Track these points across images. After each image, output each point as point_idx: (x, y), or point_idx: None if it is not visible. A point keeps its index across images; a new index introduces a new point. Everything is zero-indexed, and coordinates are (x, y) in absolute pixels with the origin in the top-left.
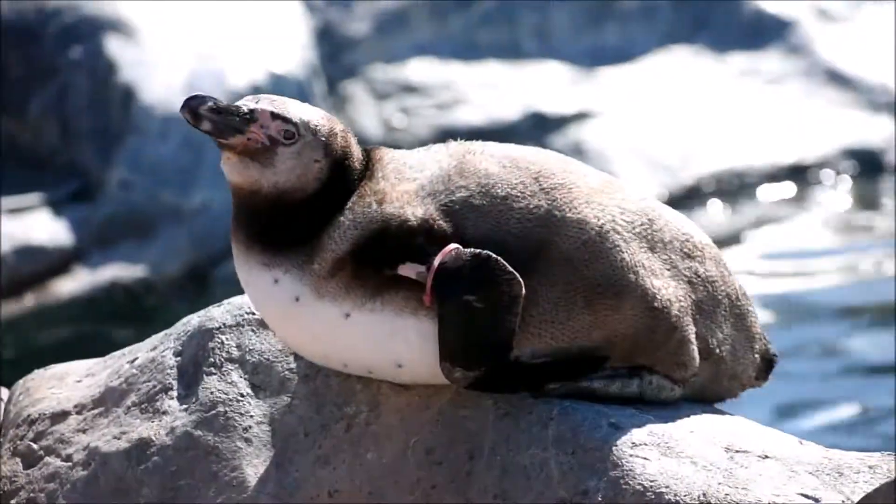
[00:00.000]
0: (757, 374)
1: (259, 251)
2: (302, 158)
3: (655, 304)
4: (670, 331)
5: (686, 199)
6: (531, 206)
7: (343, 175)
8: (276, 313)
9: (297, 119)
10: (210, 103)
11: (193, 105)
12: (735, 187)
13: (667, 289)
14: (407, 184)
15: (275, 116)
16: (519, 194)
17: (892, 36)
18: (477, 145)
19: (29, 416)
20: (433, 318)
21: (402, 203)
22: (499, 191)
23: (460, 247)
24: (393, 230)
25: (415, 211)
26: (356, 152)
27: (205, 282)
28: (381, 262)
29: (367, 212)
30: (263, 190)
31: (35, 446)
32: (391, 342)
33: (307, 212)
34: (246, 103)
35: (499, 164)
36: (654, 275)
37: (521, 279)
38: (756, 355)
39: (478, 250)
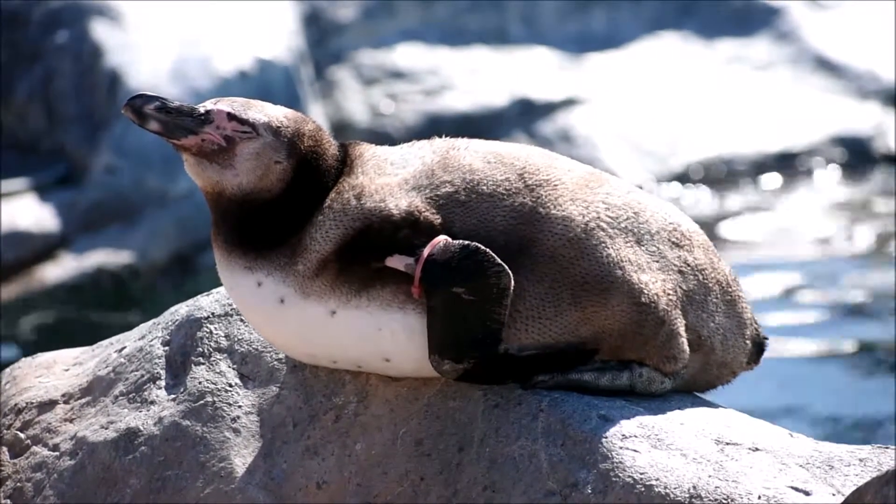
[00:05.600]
0: (748, 359)
1: (240, 255)
2: (262, 159)
3: (642, 300)
4: (658, 325)
5: (674, 185)
6: (516, 204)
7: (314, 174)
8: (261, 315)
9: (256, 119)
10: (157, 103)
11: (137, 104)
12: (723, 174)
13: (654, 283)
14: (387, 178)
15: (231, 117)
16: (504, 191)
17: (881, 23)
18: (461, 141)
19: (16, 405)
20: (420, 312)
21: (382, 196)
22: (484, 187)
23: (449, 238)
24: (376, 224)
25: (398, 203)
26: (330, 150)
27: (190, 267)
28: (366, 257)
29: (347, 208)
30: (227, 191)
31: (22, 435)
32: (378, 337)
33: (278, 212)
34: (204, 104)
35: (483, 159)
36: (640, 269)
37: (509, 271)
38: (747, 341)
39: (466, 242)
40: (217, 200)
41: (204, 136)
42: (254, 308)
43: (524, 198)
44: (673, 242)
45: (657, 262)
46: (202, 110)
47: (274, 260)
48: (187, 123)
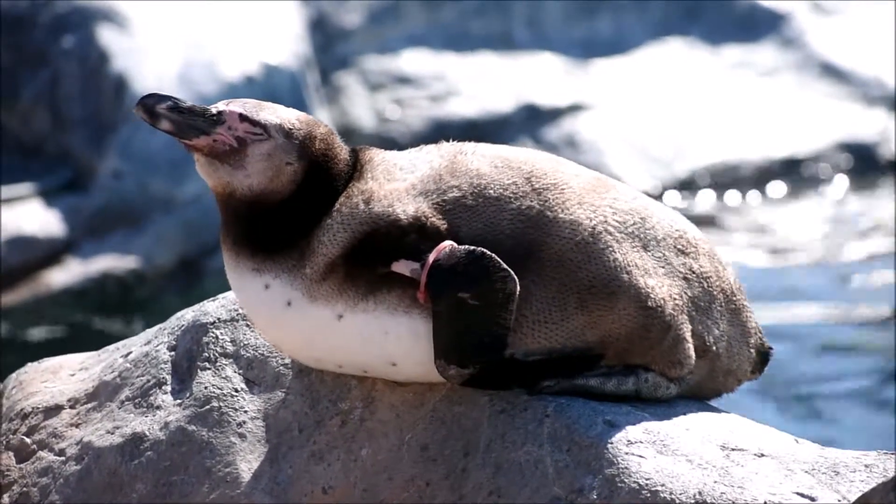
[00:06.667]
0: (752, 368)
1: (248, 256)
2: (273, 160)
3: (649, 304)
4: (665, 330)
5: (679, 191)
6: (523, 207)
7: (324, 178)
8: (268, 318)
9: (267, 121)
10: (170, 102)
11: (150, 103)
12: (729, 180)
13: (661, 287)
14: (396, 183)
15: (243, 118)
16: (511, 195)
17: (887, 29)
18: (468, 146)
19: (22, 409)
20: (426, 317)
21: (390, 201)
22: (491, 191)
23: (454, 244)
24: (383, 229)
25: (405, 208)
26: (341, 154)
27: (196, 272)
28: (373, 261)
29: (355, 212)
30: (238, 192)
31: (28, 440)
32: (385, 341)
33: (288, 214)
34: (216, 105)
35: (490, 164)
36: (647, 274)
37: (515, 276)
38: (751, 350)
39: (472, 247)
40: (227, 201)
41: (216, 136)
42: (261, 311)
43: (531, 201)
44: (679, 249)
45: (663, 268)
46: (214, 111)
47: (282, 262)
48: (199, 124)
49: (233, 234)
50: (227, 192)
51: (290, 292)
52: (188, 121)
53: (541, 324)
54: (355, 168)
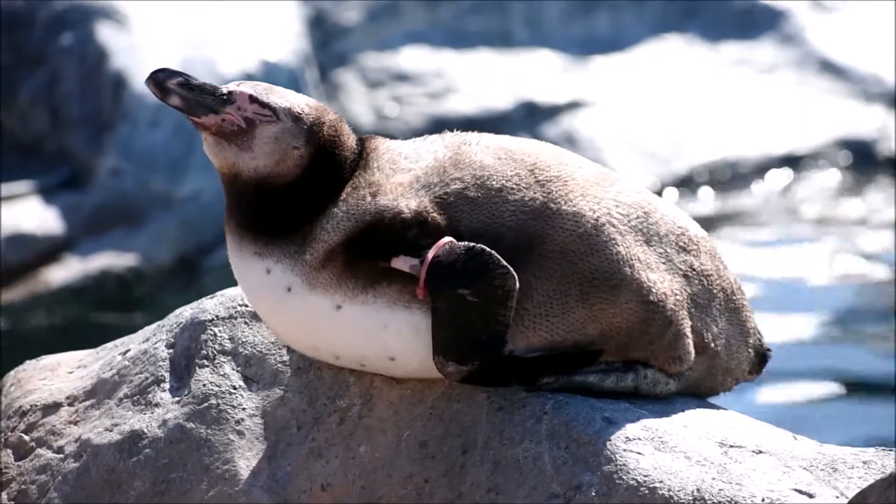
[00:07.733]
0: (750, 368)
1: (251, 240)
2: (280, 143)
3: (651, 298)
4: (665, 324)
5: (678, 188)
6: (526, 199)
7: (331, 164)
8: (268, 304)
9: (277, 104)
10: (180, 78)
11: (161, 78)
12: (727, 177)
13: (662, 282)
14: (402, 175)
15: (253, 100)
16: (514, 186)
17: (885, 26)
18: (472, 136)
19: (20, 407)
20: (426, 312)
21: (396, 195)
22: (494, 183)
23: (454, 240)
24: (386, 222)
25: (409, 203)
26: (348, 142)
27: (195, 270)
28: (374, 254)
29: (361, 203)
30: (243, 174)
31: (26, 438)
32: (383, 335)
33: (293, 199)
34: (227, 85)
35: (494, 155)
36: (649, 268)
37: (514, 273)
38: (750, 350)
39: (472, 244)
40: (233, 183)
41: (224, 115)
42: (261, 296)
43: (535, 193)
44: (680, 247)
45: (664, 263)
46: (225, 90)
47: (284, 248)
48: (209, 102)
49: (236, 217)
50: (232, 173)
51: (290, 278)
52: (198, 98)
53: (542, 317)
54: (361, 157)
